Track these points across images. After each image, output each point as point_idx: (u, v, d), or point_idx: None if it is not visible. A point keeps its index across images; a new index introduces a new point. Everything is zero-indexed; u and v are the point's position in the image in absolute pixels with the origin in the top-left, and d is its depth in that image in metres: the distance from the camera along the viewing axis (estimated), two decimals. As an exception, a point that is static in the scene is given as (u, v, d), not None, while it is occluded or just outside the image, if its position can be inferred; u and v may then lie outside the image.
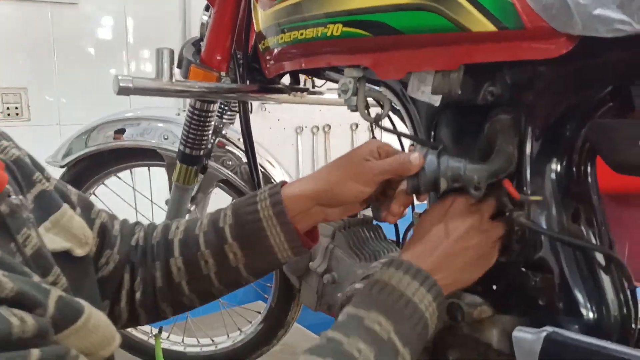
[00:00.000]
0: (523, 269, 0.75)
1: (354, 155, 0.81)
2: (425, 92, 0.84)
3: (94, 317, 0.52)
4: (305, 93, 1.20)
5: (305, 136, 3.05)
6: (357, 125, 3.15)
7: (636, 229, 0.76)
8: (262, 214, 0.78)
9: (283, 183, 0.81)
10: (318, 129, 3.06)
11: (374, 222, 1.12)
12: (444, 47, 0.74)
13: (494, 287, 0.78)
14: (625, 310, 0.71)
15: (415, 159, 0.77)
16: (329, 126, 3.07)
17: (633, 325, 0.72)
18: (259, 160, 1.40)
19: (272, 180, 1.47)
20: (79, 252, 0.68)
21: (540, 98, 0.72)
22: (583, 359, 0.65)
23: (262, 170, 1.40)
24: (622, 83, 0.65)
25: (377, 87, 0.98)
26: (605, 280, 0.71)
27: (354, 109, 0.91)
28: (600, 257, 0.72)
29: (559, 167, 0.74)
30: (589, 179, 0.75)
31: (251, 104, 1.30)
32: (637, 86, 0.63)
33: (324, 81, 1.29)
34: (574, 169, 0.74)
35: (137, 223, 0.87)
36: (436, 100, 0.83)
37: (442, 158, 0.77)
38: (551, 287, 0.72)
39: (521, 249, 0.74)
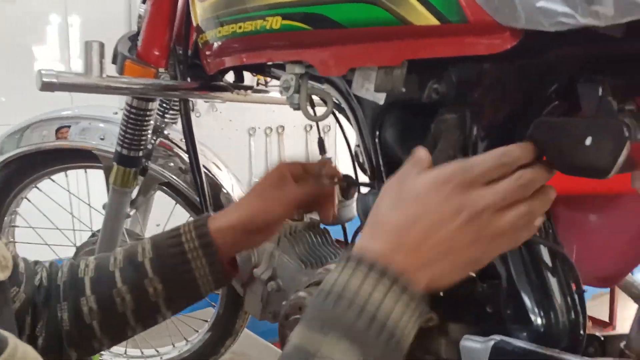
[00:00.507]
0: (471, 275, 0.71)
1: (267, 183, 0.82)
2: (369, 90, 0.80)
3: (20, 350, 0.47)
4: (249, 91, 1.14)
5: (258, 138, 2.99)
6: (311, 127, 3.11)
7: (583, 233, 0.74)
8: (187, 247, 0.78)
9: (207, 216, 0.81)
10: (271, 130, 3.00)
11: (322, 225, 1.07)
12: (386, 42, 0.70)
13: (441, 294, 0.75)
14: (573, 316, 0.69)
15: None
16: (283, 127, 3.02)
17: (582, 332, 0.69)
18: (204, 162, 1.33)
19: (218, 184, 1.40)
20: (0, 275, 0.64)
21: (486, 96, 0.69)
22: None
23: (208, 172, 1.34)
24: (568, 80, 0.63)
25: (320, 85, 0.93)
26: (554, 285, 0.69)
27: (297, 107, 0.87)
28: (548, 260, 0.69)
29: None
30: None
31: (194, 102, 1.23)
32: (583, 84, 0.61)
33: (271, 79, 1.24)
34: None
35: (37, 262, 0.82)
36: (380, 99, 0.79)
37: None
38: (499, 294, 0.69)
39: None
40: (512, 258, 0.69)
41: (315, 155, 3.04)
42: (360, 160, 0.91)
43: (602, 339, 0.71)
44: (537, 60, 0.64)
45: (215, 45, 0.98)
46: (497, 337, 0.66)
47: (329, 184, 0.87)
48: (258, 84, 1.44)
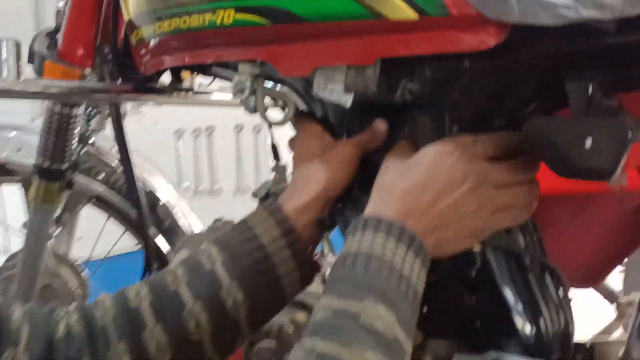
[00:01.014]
0: (456, 287, 0.67)
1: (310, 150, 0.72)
2: (334, 91, 0.73)
3: None
4: (190, 93, 1.04)
5: (186, 140, 2.83)
6: (242, 127, 2.99)
7: (557, 233, 0.72)
8: (264, 239, 0.63)
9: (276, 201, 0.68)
10: (200, 131, 2.86)
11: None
12: (357, 38, 0.64)
13: (424, 309, 0.69)
14: (563, 325, 0.66)
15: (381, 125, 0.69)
16: (212, 128, 2.88)
17: (572, 340, 0.67)
18: (137, 170, 1.21)
19: (155, 194, 1.29)
20: None
21: (466, 96, 0.64)
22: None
23: (143, 182, 1.22)
24: (555, 78, 0.59)
25: (277, 85, 0.85)
26: (544, 294, 0.66)
27: (253, 110, 0.78)
28: (536, 271, 0.66)
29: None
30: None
31: (124, 106, 1.11)
32: (571, 81, 0.57)
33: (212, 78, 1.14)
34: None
35: (55, 307, 0.61)
36: (347, 101, 0.72)
37: None
38: (488, 307, 0.65)
39: (454, 264, 0.66)
40: (500, 271, 0.64)
41: (248, 157, 2.93)
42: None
43: (589, 346, 0.69)
44: (521, 57, 0.60)
45: (153, 42, 0.87)
46: (493, 354, 0.62)
47: None
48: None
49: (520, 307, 0.65)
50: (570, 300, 0.67)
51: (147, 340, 0.58)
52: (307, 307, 0.79)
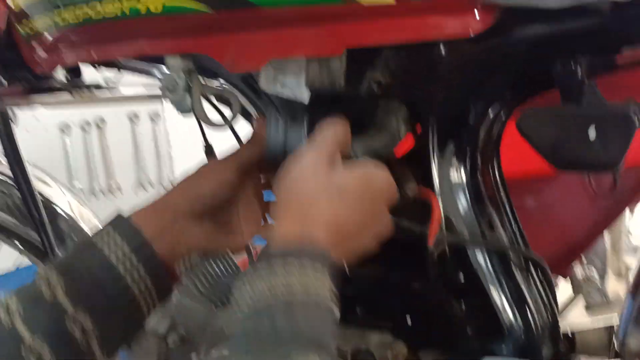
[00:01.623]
0: (443, 296, 0.61)
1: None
2: (287, 86, 0.64)
3: None
4: (93, 90, 0.89)
5: (74, 135, 2.55)
6: (136, 116, 2.76)
7: (521, 219, 0.69)
8: (113, 257, 0.55)
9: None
10: (90, 124, 2.59)
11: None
12: (322, 26, 0.55)
13: (408, 320, 0.64)
14: (551, 318, 0.63)
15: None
16: (103, 120, 2.62)
17: (560, 331, 0.64)
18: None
19: (54, 207, 1.11)
20: None
21: (441, 86, 0.58)
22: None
23: (40, 195, 1.04)
24: (539, 63, 0.55)
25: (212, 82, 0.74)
26: (531, 290, 0.62)
27: (187, 111, 0.67)
28: (523, 268, 0.62)
29: (468, 171, 0.61)
30: (498, 177, 0.64)
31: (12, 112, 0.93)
32: (559, 67, 0.53)
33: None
34: (485, 170, 0.63)
35: None
36: (304, 96, 0.64)
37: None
38: (479, 312, 0.61)
39: (440, 273, 0.61)
40: (489, 274, 0.60)
41: (146, 148, 2.71)
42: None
43: (571, 335, 0.67)
44: (504, 42, 0.54)
45: (52, 36, 0.72)
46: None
47: None
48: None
49: (508, 307, 0.61)
50: (555, 289, 0.65)
51: None
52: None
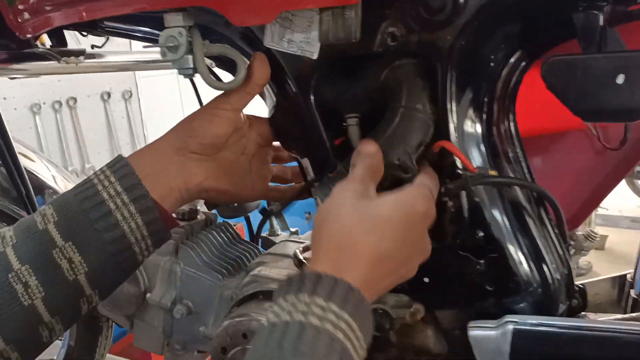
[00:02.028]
0: (461, 253, 0.61)
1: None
2: (294, 42, 0.62)
3: None
4: (81, 57, 0.84)
5: (45, 115, 2.47)
6: (109, 95, 2.68)
7: (547, 173, 0.68)
8: (105, 194, 0.57)
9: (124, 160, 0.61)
10: (61, 104, 2.50)
11: (219, 219, 0.87)
12: (336, -27, 0.52)
13: (426, 279, 0.63)
14: (566, 271, 0.63)
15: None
16: (75, 99, 2.54)
17: (573, 284, 0.64)
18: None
19: (40, 181, 1.07)
20: None
21: (462, 39, 0.56)
22: (561, 349, 0.55)
23: (28, 171, 1.00)
24: (561, 13, 0.53)
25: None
26: (546, 244, 0.62)
27: (190, 73, 0.64)
28: (538, 218, 0.62)
29: (485, 125, 0.60)
30: (513, 131, 0.63)
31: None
32: (580, 13, 0.51)
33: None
34: (501, 124, 0.61)
35: None
36: (314, 51, 0.61)
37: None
38: (499, 268, 0.60)
39: (458, 229, 0.60)
40: (507, 229, 0.59)
41: (120, 127, 2.65)
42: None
43: (582, 287, 0.67)
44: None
45: (38, -5, 0.67)
46: (511, 318, 0.58)
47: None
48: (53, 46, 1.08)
49: (525, 263, 0.60)
50: (569, 245, 0.65)
51: None
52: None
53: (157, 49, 0.91)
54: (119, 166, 0.60)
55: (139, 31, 0.81)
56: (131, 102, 2.79)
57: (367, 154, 0.55)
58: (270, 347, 0.42)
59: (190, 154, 0.62)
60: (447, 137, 0.58)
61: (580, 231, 0.87)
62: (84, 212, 0.57)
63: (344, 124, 0.63)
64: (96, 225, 0.57)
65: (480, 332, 0.59)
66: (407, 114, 0.58)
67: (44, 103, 2.44)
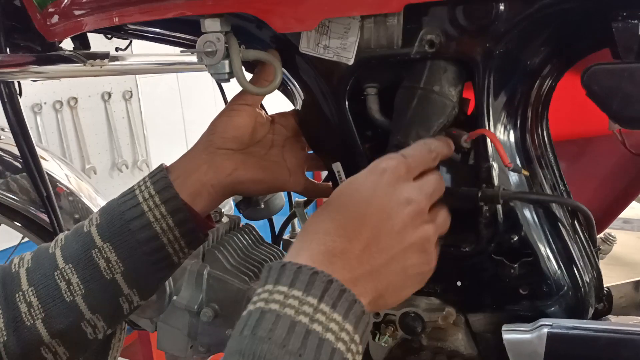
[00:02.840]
0: (495, 257, 0.61)
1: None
2: (330, 48, 0.62)
3: None
4: (106, 60, 0.84)
5: (46, 115, 2.45)
6: (109, 95, 2.66)
7: (575, 178, 0.70)
8: (140, 197, 0.61)
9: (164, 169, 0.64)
10: (62, 104, 2.48)
11: (244, 221, 0.87)
12: (381, -19, 0.53)
13: (458, 283, 0.64)
14: (596, 276, 0.64)
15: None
16: (75, 99, 2.52)
17: (604, 287, 0.66)
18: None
19: (58, 182, 1.07)
20: None
21: (500, 45, 0.57)
22: (596, 352, 0.56)
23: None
24: (598, 21, 0.54)
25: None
26: (577, 248, 0.63)
27: (226, 77, 0.64)
28: (569, 223, 0.63)
29: (519, 130, 0.61)
30: (546, 136, 0.64)
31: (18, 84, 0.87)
32: (619, 23, 0.52)
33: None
34: (534, 130, 0.62)
35: None
36: (350, 57, 0.62)
37: None
38: (533, 272, 0.61)
39: (493, 233, 0.61)
40: (540, 233, 0.60)
41: (121, 128, 2.64)
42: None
43: (608, 290, 0.69)
44: (565, -2, 0.54)
45: (69, 0, 0.68)
46: (545, 322, 0.58)
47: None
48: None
49: (557, 267, 0.61)
50: (599, 249, 0.66)
51: (19, 302, 0.58)
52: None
53: (174, 50, 0.91)
54: (155, 171, 0.63)
55: (166, 34, 0.82)
56: (131, 102, 2.77)
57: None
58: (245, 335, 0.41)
59: (217, 149, 0.65)
60: (482, 140, 0.59)
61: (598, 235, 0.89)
62: (121, 214, 0.60)
63: (364, 93, 0.64)
64: (131, 226, 0.60)
65: (515, 335, 0.59)
66: (425, 95, 0.59)
67: (45, 103, 2.42)
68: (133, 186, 0.62)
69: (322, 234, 0.46)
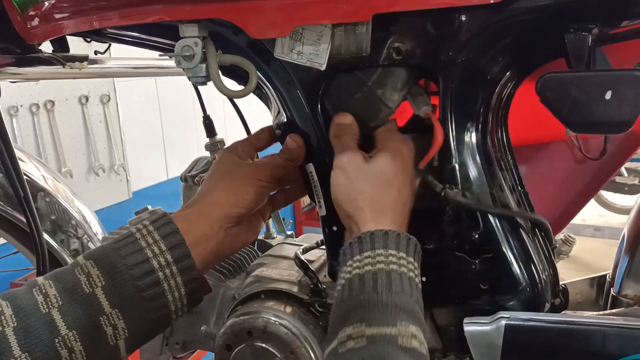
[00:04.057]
0: (457, 254, 0.65)
1: (227, 166, 0.67)
2: (303, 54, 0.65)
3: None
4: (85, 63, 0.86)
5: (22, 117, 2.43)
6: (87, 98, 2.65)
7: (532, 181, 0.73)
8: (155, 263, 0.57)
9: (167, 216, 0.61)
10: (38, 107, 2.47)
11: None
12: (351, -8, 0.56)
13: (423, 278, 0.67)
14: (552, 273, 0.68)
15: (293, 144, 0.68)
16: (52, 102, 2.51)
17: (559, 284, 0.69)
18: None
19: (40, 184, 1.07)
20: None
21: (461, 53, 0.60)
22: (549, 341, 0.60)
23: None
24: (553, 32, 0.58)
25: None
26: (535, 247, 0.67)
27: (203, 81, 0.67)
28: (528, 226, 0.66)
29: (480, 134, 0.65)
30: (506, 140, 0.68)
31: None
32: (571, 34, 0.56)
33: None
34: (494, 133, 0.66)
35: None
36: (322, 62, 0.65)
37: None
38: (493, 268, 0.64)
39: (455, 231, 0.64)
40: (500, 231, 0.64)
41: (98, 131, 2.62)
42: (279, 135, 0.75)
43: (564, 287, 0.72)
44: (520, 10, 0.58)
45: (51, 3, 0.70)
46: (504, 314, 0.62)
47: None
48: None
49: (516, 264, 0.65)
50: (555, 248, 0.70)
51: None
52: (283, 295, 0.72)
53: (152, 55, 0.94)
54: (172, 238, 0.59)
55: (144, 39, 0.84)
56: (109, 106, 2.77)
57: (348, 125, 0.64)
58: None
59: (236, 220, 0.65)
60: (446, 142, 0.62)
61: (558, 235, 0.93)
62: (133, 280, 0.56)
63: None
64: (144, 294, 0.56)
65: (475, 327, 0.63)
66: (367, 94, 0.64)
67: (21, 106, 2.41)
68: (137, 240, 0.58)
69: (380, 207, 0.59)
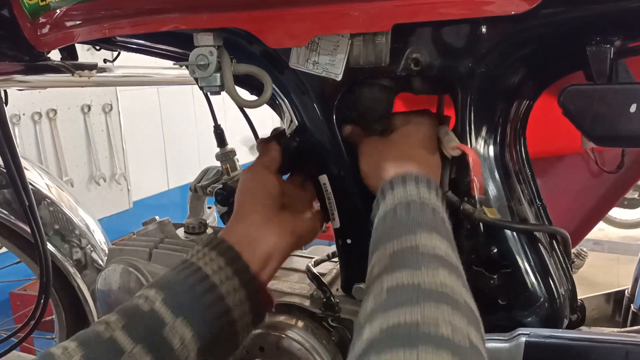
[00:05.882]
0: (475, 268, 0.64)
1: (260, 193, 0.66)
2: (320, 64, 0.65)
3: None
4: (94, 71, 0.85)
5: (25, 126, 2.42)
6: (89, 107, 2.65)
7: (550, 194, 0.72)
8: (207, 269, 0.57)
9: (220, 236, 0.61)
10: (40, 115, 2.46)
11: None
12: (371, 2, 0.55)
13: (440, 295, 0.65)
14: (571, 288, 0.67)
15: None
16: (55, 111, 2.50)
17: (578, 299, 0.68)
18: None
19: (44, 192, 1.06)
20: None
21: (481, 65, 0.60)
22: (568, 359, 0.58)
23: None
24: (574, 45, 0.57)
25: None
26: (553, 261, 0.66)
27: (217, 90, 0.66)
28: (548, 240, 0.65)
29: (499, 146, 0.64)
30: (524, 153, 0.67)
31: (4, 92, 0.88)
32: (593, 47, 0.56)
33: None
34: (513, 145, 0.65)
35: None
36: (338, 73, 0.64)
37: None
38: (511, 283, 0.63)
39: (473, 245, 0.63)
40: (518, 246, 0.63)
41: (99, 140, 2.62)
42: (294, 146, 0.73)
43: (581, 302, 0.71)
44: (541, 23, 0.57)
45: (62, 11, 0.69)
46: (523, 331, 0.60)
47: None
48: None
49: (534, 280, 0.64)
50: (572, 263, 0.68)
51: None
52: (295, 309, 0.71)
53: (164, 64, 0.93)
54: (216, 242, 0.60)
55: (154, 47, 0.83)
56: (111, 115, 2.76)
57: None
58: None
59: (266, 221, 0.64)
60: (463, 155, 0.61)
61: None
62: (189, 287, 0.56)
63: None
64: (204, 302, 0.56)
65: (494, 344, 0.61)
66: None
67: (24, 114, 2.40)
68: (189, 260, 0.58)
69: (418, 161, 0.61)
